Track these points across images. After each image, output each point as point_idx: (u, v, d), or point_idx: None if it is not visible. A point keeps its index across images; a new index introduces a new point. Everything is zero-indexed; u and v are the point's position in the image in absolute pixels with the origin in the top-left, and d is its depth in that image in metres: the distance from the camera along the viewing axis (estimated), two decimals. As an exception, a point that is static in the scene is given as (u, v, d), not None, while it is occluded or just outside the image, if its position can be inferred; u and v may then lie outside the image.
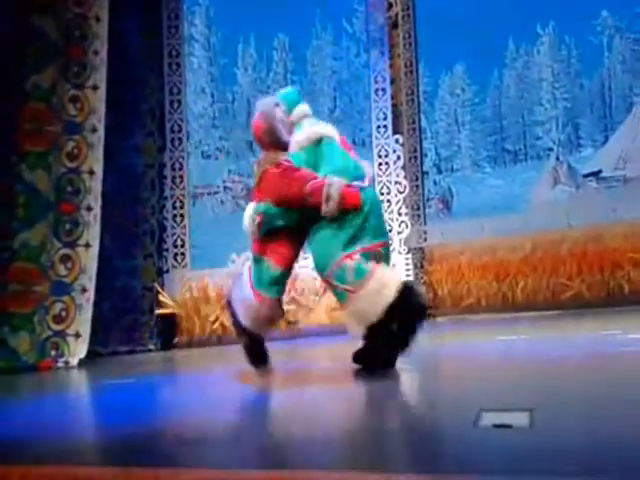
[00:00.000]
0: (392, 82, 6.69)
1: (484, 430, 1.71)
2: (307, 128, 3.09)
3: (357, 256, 2.89)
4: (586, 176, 5.97)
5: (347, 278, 2.87)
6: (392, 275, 2.92)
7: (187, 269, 5.97)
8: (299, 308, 6.08)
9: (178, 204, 6.09)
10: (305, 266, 6.25)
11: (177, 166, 6.15)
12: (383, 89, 6.72)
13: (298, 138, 3.06)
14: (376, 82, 6.71)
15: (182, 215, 6.09)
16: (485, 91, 6.61)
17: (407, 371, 2.95)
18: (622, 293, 5.51)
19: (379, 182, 6.39)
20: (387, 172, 6.47)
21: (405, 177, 6.36)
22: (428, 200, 6.54)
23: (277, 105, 3.20)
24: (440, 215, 6.53)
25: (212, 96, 6.89)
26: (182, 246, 6.04)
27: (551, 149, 6.20)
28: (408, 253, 6.16)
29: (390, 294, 2.80)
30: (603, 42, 5.92)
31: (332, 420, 2.14)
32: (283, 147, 3.15)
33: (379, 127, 6.60)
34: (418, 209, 6.45)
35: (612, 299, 5.50)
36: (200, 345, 5.68)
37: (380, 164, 6.49)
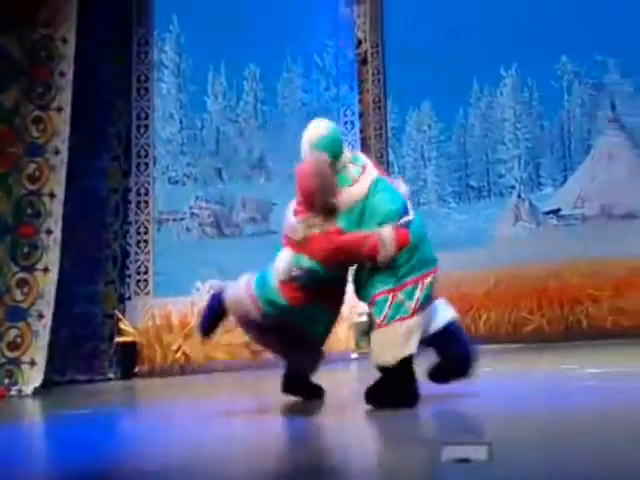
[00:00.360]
0: (361, 116, 6.84)
1: (445, 466, 1.71)
2: (355, 187, 2.96)
3: (401, 295, 2.87)
4: (546, 214, 6.18)
5: (384, 311, 2.87)
6: (418, 331, 2.88)
7: (150, 296, 5.85)
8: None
9: (142, 229, 5.99)
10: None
11: (142, 191, 6.07)
12: (352, 122, 6.85)
13: (347, 199, 2.94)
14: (345, 115, 6.85)
15: (146, 241, 5.99)
16: (451, 129, 6.82)
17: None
18: (580, 328, 5.68)
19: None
20: (355, 204, 6.53)
21: (373, 209, 6.44)
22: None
23: (326, 160, 2.99)
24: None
25: (181, 122, 6.87)
26: (145, 273, 5.93)
27: (513, 187, 6.41)
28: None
29: (409, 349, 2.82)
30: (563, 86, 6.21)
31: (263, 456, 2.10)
32: (330, 208, 2.96)
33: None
34: (385, 241, 6.52)
35: (571, 333, 5.65)
36: (162, 375, 5.53)
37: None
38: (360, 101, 6.91)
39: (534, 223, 6.14)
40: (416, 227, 2.99)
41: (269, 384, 4.54)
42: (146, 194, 6.05)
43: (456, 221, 6.46)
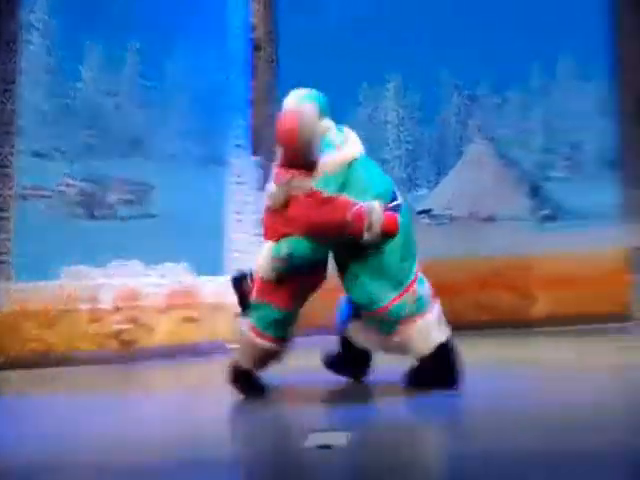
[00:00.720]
0: (253, 103, 6.71)
1: (308, 451, 1.79)
2: (338, 153, 2.84)
3: (415, 286, 2.84)
4: (419, 213, 6.55)
5: (407, 310, 2.82)
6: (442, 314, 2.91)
7: (11, 281, 5.29)
8: (137, 328, 5.72)
9: (4, 206, 5.39)
10: (150, 284, 5.92)
11: (5, 163, 5.46)
12: (242, 109, 6.69)
13: (330, 163, 2.81)
14: (235, 101, 6.67)
15: (7, 219, 5.40)
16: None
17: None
18: (450, 322, 6.09)
19: (233, 201, 6.33)
20: (243, 192, 6.43)
21: (261, 199, 6.36)
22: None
23: (314, 109, 2.86)
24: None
25: (50, 90, 6.26)
26: (5, 254, 5.34)
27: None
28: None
29: (444, 334, 2.86)
30: (442, 94, 6.59)
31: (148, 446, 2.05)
32: (311, 166, 2.81)
33: (238, 146, 6.56)
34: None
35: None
36: (17, 366, 5.04)
37: (236, 184, 6.44)
38: (252, 87, 6.77)
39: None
40: (404, 213, 2.93)
41: (136, 377, 4.33)
42: (8, 167, 5.45)
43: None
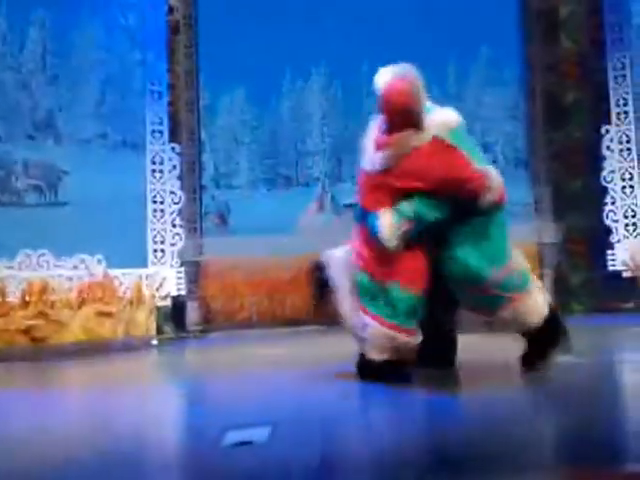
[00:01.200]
0: (171, 88, 6.43)
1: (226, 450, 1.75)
2: (443, 114, 2.77)
3: (519, 259, 2.80)
4: (346, 206, 6.70)
5: (514, 284, 2.76)
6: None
7: None
8: (48, 323, 5.29)
9: None
10: (60, 275, 5.50)
11: None
12: (159, 92, 6.40)
13: (439, 122, 2.70)
14: (152, 84, 6.36)
15: None
16: (264, 116, 6.88)
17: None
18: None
19: (152, 190, 6.06)
20: (162, 181, 6.17)
21: (182, 188, 6.16)
22: (205, 214, 6.44)
23: (417, 74, 2.77)
24: (216, 230, 6.50)
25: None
26: None
27: (318, 178, 6.78)
28: (182, 266, 5.95)
29: (547, 304, 2.82)
30: (364, 89, 6.77)
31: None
32: (418, 128, 2.70)
33: (154, 132, 6.27)
34: (195, 222, 6.30)
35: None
36: None
37: (154, 171, 6.15)
38: (170, 71, 6.49)
39: (335, 214, 6.59)
40: None
41: (45, 375, 4.01)
42: None
43: (266, 207, 6.57)
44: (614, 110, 6.29)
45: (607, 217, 6.26)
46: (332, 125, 6.83)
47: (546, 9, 6.81)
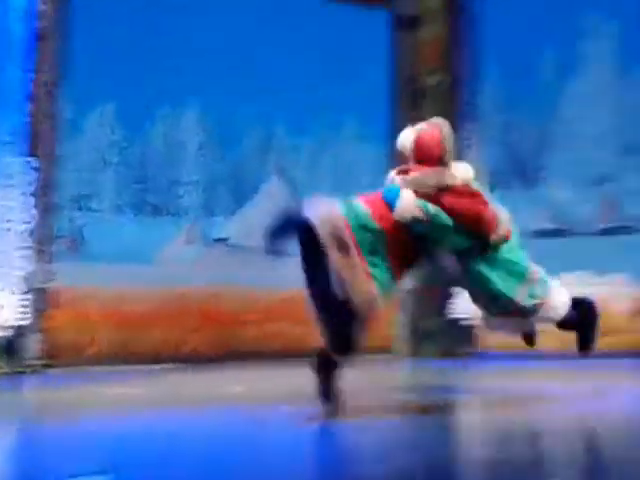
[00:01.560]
0: (32, 99, 5.89)
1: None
2: (465, 165, 3.25)
3: (536, 269, 3.22)
4: (216, 240, 6.53)
5: (536, 293, 3.18)
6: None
7: None
8: None
9: None
10: None
11: None
12: (16, 101, 5.84)
13: (467, 168, 3.20)
14: (11, 94, 5.79)
15: None
16: (134, 138, 6.58)
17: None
18: (238, 350, 6.09)
19: (2, 207, 5.42)
20: (11, 197, 5.56)
21: (35, 207, 5.58)
22: (58, 237, 5.88)
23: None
24: (71, 255, 5.96)
25: None
26: None
27: (189, 209, 6.57)
28: (27, 293, 5.33)
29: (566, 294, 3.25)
30: (243, 128, 6.76)
31: None
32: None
33: (5, 144, 5.67)
34: (45, 245, 5.71)
35: (230, 355, 6.00)
36: None
37: (5, 186, 5.53)
38: (31, 80, 5.95)
39: (204, 247, 6.40)
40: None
41: None
42: None
43: (129, 234, 6.20)
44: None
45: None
46: (208, 156, 6.70)
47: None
